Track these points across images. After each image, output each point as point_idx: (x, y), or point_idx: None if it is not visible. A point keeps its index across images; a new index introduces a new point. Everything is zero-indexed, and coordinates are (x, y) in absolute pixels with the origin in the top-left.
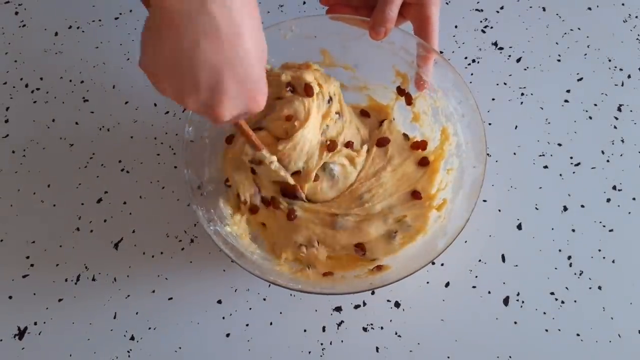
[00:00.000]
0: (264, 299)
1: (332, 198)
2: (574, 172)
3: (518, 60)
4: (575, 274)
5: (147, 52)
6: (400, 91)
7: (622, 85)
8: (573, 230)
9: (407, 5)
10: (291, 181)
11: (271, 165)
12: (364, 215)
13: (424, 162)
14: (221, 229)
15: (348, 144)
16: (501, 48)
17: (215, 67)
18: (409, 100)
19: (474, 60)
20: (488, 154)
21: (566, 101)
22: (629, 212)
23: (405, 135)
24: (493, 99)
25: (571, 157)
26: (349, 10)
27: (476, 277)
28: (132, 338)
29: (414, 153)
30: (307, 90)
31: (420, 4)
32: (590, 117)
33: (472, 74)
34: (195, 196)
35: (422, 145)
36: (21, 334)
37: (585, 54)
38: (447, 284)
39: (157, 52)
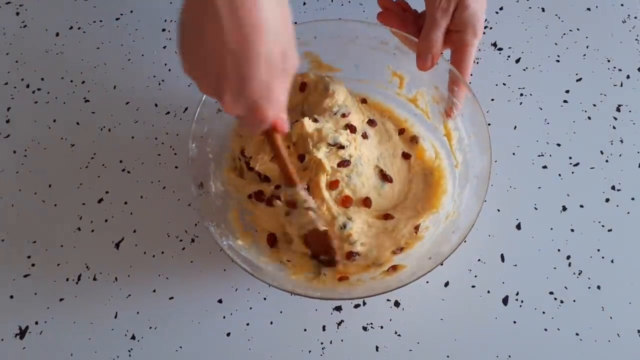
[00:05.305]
0: (265, 299)
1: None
2: (573, 172)
3: (517, 60)
4: (574, 273)
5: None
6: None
7: (621, 85)
8: (572, 230)
9: (448, 32)
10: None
11: (307, 210)
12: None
13: (406, 157)
14: (233, 242)
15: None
16: (500, 48)
17: (219, 53)
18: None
19: (473, 61)
20: None
21: (565, 101)
22: (628, 212)
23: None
24: (492, 100)
25: (570, 157)
26: (397, 21)
27: (475, 276)
28: (133, 337)
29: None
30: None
31: (461, 31)
32: (589, 118)
33: (471, 75)
34: (206, 213)
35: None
36: (22, 333)
37: (584, 55)
38: (447, 284)
39: (183, 39)
